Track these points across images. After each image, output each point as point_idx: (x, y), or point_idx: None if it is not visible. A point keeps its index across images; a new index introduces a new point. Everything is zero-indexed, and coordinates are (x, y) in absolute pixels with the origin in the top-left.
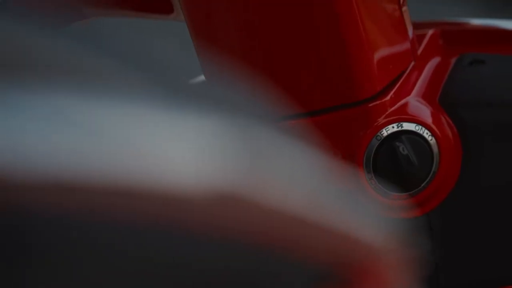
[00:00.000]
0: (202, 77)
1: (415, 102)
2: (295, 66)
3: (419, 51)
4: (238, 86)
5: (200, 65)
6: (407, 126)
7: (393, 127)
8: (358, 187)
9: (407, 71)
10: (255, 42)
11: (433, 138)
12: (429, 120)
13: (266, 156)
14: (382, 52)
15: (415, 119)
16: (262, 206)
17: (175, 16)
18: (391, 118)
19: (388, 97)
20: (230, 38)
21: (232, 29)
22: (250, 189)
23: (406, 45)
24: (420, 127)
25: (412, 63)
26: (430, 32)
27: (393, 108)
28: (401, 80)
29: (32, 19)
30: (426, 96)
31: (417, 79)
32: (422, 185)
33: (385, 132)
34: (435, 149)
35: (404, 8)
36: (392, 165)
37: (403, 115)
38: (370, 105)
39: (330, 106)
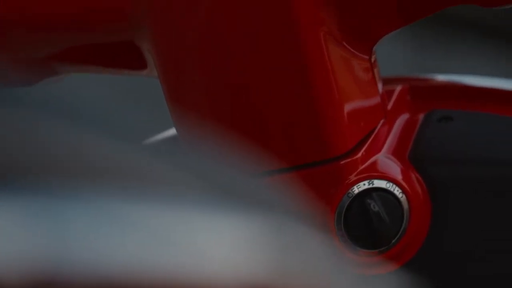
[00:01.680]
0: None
1: (385, 159)
2: (266, 124)
3: (389, 107)
4: (210, 145)
5: (173, 123)
6: (378, 183)
7: (364, 184)
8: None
9: (377, 128)
10: (226, 100)
11: (404, 195)
12: (399, 177)
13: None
14: (354, 109)
15: (385, 176)
16: None
17: (148, 72)
18: (362, 175)
19: (359, 155)
20: (202, 96)
21: (204, 87)
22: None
23: (377, 102)
24: (391, 184)
25: (382, 120)
26: (399, 88)
27: (364, 165)
28: (371, 137)
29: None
30: (396, 153)
31: (387, 136)
32: (393, 241)
33: (356, 190)
34: (405, 205)
35: (374, 63)
36: (363, 222)
37: (374, 172)
38: (342, 162)
39: (301, 164)
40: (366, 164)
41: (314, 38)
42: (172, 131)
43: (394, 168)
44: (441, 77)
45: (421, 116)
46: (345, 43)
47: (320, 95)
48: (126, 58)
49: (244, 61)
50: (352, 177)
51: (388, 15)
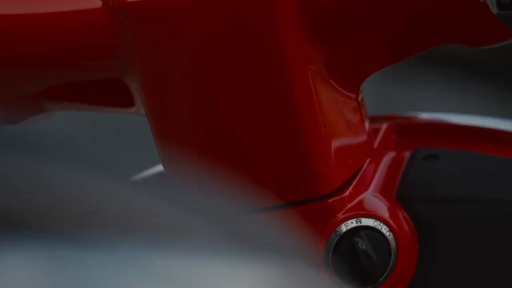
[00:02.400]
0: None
1: (372, 197)
2: (253, 162)
3: (375, 145)
4: (198, 182)
5: (161, 160)
6: (366, 221)
7: (352, 222)
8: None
9: (364, 166)
10: (214, 138)
11: (391, 233)
12: (386, 215)
13: None
14: (341, 147)
15: (373, 214)
16: None
17: (135, 110)
18: (350, 213)
19: (347, 193)
20: (190, 134)
21: (192, 125)
22: None
23: (364, 140)
24: (378, 222)
25: (369, 158)
26: (384, 126)
27: (351, 204)
28: (359, 175)
29: None
30: (383, 191)
31: (374, 174)
32: (380, 280)
33: (344, 228)
34: (392, 244)
35: (361, 101)
36: (351, 260)
37: (362, 210)
38: (329, 201)
39: (289, 202)
40: (354, 202)
41: (302, 76)
42: (159, 168)
43: (381, 207)
44: (427, 115)
45: (407, 154)
46: (332, 82)
47: (308, 133)
48: (113, 96)
49: (231, 99)
50: (340, 215)
51: (376, 54)
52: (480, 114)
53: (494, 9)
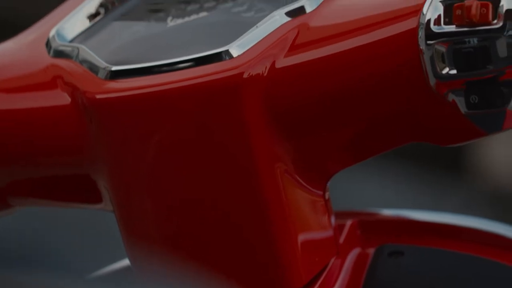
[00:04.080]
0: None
1: None
2: (221, 258)
3: (340, 242)
4: (165, 276)
5: (127, 255)
6: None
7: None
8: None
9: (331, 262)
10: (183, 235)
11: None
12: None
13: None
14: (308, 244)
15: None
16: None
17: (103, 206)
18: None
19: None
20: (157, 230)
21: (160, 222)
22: None
23: (330, 237)
24: None
25: (335, 255)
26: (349, 222)
27: None
28: (325, 272)
29: None
30: None
31: (340, 271)
32: None
33: None
34: None
35: (327, 198)
36: None
37: None
38: None
39: None
40: None
41: (270, 174)
42: (124, 262)
43: None
44: (390, 212)
45: (371, 251)
46: (300, 179)
47: (276, 230)
48: (81, 192)
49: (201, 198)
50: None
51: (341, 154)
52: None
53: (463, 109)
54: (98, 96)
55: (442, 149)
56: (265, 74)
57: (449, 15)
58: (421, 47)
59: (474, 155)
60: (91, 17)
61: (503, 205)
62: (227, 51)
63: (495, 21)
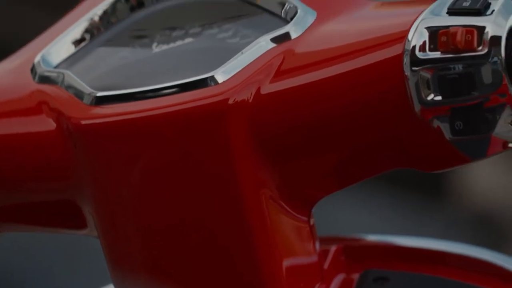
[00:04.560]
0: None
1: None
2: (205, 284)
3: (325, 267)
4: None
5: (112, 282)
6: None
7: None
8: None
9: None
10: (168, 262)
11: None
12: None
13: None
14: (293, 270)
15: None
16: None
17: (88, 232)
18: None
19: None
20: (142, 257)
21: (144, 249)
22: None
23: (314, 262)
24: None
25: (320, 281)
26: (334, 247)
27: None
28: None
29: None
30: None
31: None
32: None
33: None
34: None
35: (312, 224)
36: None
37: None
38: None
39: None
40: None
41: (255, 201)
42: None
43: None
44: (375, 237)
45: (356, 277)
46: (285, 205)
47: (260, 256)
48: (66, 217)
49: (185, 224)
50: None
51: (326, 180)
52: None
53: (447, 135)
54: (83, 122)
55: (425, 173)
56: (250, 100)
57: (434, 42)
58: (406, 74)
59: (456, 180)
60: (77, 42)
61: (487, 230)
62: (212, 77)
63: (480, 48)
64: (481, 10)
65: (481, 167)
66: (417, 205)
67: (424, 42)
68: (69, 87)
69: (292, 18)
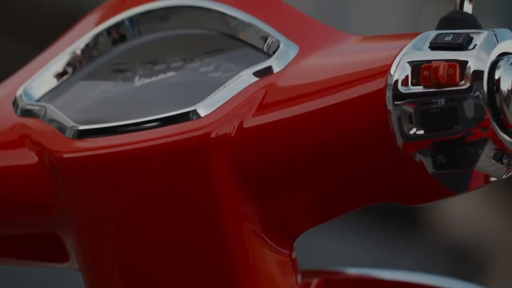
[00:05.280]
0: None
1: None
2: None
3: None
4: None
5: None
6: None
7: None
8: None
9: None
10: None
11: None
12: None
13: None
14: None
15: None
16: None
17: (69, 265)
18: None
19: None
20: None
21: (126, 282)
22: None
23: None
24: None
25: None
26: (315, 281)
27: None
28: None
29: None
30: None
31: None
32: None
33: None
34: None
35: (294, 257)
36: None
37: None
38: None
39: None
40: None
41: (238, 234)
42: None
43: None
44: (355, 270)
45: None
46: (267, 239)
47: None
48: (48, 250)
49: (168, 257)
50: None
51: (308, 214)
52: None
53: (430, 169)
54: (65, 155)
55: (399, 206)
56: (232, 134)
57: (416, 76)
58: (388, 108)
59: (433, 212)
60: (59, 76)
61: (463, 262)
62: (194, 111)
63: (462, 82)
64: (463, 44)
65: (458, 200)
66: (393, 236)
67: (407, 77)
68: (51, 120)
69: (274, 52)
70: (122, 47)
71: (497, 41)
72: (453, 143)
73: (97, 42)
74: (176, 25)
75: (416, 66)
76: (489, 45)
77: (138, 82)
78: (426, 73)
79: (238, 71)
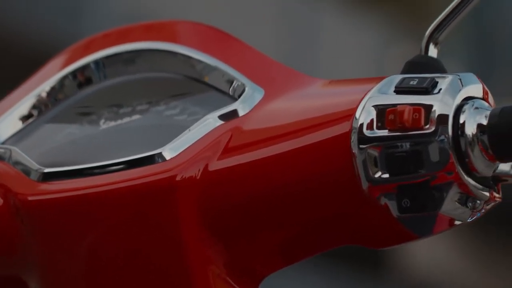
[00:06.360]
0: None
1: None
2: None
3: None
4: None
5: None
6: None
7: None
8: None
9: None
10: None
11: None
12: None
13: None
14: None
15: None
16: None
17: None
18: None
19: None
20: None
21: None
22: None
23: None
24: None
25: None
26: None
27: None
28: None
29: None
30: None
31: None
32: None
33: None
34: None
35: None
36: None
37: None
38: None
39: None
40: None
41: (203, 277)
42: None
43: None
44: None
45: None
46: (232, 282)
47: None
48: (9, 286)
49: None
50: None
51: (273, 258)
52: None
53: (395, 212)
54: (30, 198)
55: (364, 248)
56: (198, 177)
57: (381, 120)
58: (353, 151)
59: (397, 254)
60: (24, 118)
61: None
62: (160, 154)
63: (428, 126)
64: (429, 88)
65: (423, 243)
66: (358, 279)
67: (372, 120)
68: (16, 163)
69: (240, 96)
70: (88, 90)
71: (462, 85)
72: (418, 186)
73: (63, 85)
74: (142, 69)
75: (382, 110)
76: (454, 89)
77: (104, 125)
78: (391, 117)
79: (204, 115)
